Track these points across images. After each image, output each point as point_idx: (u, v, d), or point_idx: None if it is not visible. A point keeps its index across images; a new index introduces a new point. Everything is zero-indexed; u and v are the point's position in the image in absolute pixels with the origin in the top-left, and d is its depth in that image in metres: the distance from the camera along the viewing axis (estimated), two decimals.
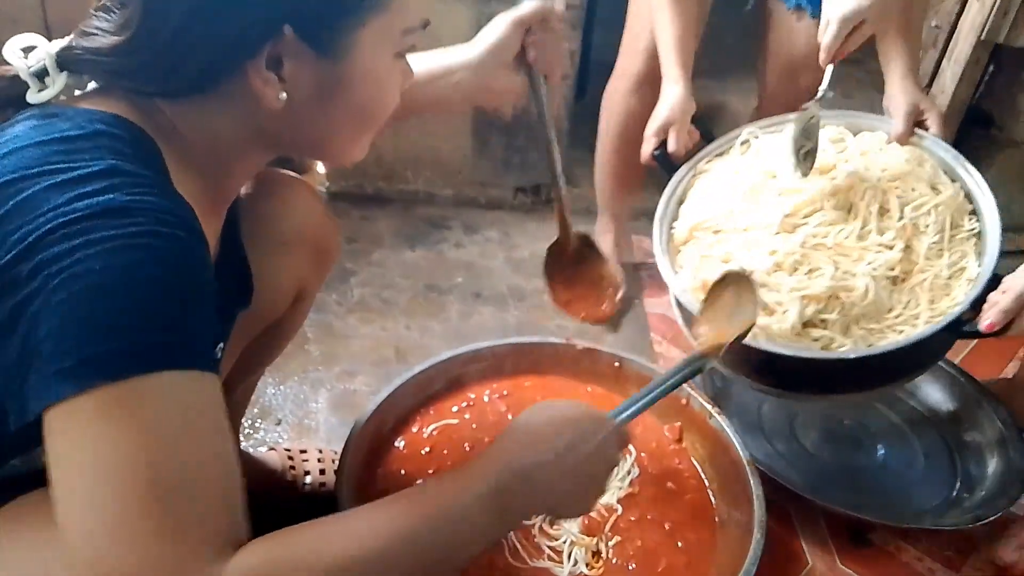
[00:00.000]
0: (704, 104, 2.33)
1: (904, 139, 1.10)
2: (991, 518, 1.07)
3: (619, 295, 1.12)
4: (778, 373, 1.04)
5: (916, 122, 1.11)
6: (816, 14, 1.28)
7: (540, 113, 0.93)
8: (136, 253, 0.49)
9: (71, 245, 0.48)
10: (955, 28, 1.78)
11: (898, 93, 1.13)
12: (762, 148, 1.15)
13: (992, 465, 1.20)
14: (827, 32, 0.99)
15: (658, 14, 1.23)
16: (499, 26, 0.85)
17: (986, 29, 1.67)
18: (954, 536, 1.13)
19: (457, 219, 1.83)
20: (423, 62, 0.83)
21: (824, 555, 1.10)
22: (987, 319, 0.95)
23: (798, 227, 1.04)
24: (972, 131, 1.85)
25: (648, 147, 1.18)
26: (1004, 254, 1.89)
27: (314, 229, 0.90)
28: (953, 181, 1.10)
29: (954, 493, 1.18)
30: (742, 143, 1.17)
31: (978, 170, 1.88)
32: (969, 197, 1.09)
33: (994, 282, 0.97)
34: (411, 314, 1.52)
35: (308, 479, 1.11)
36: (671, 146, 1.17)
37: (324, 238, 0.93)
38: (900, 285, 1.02)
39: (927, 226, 1.03)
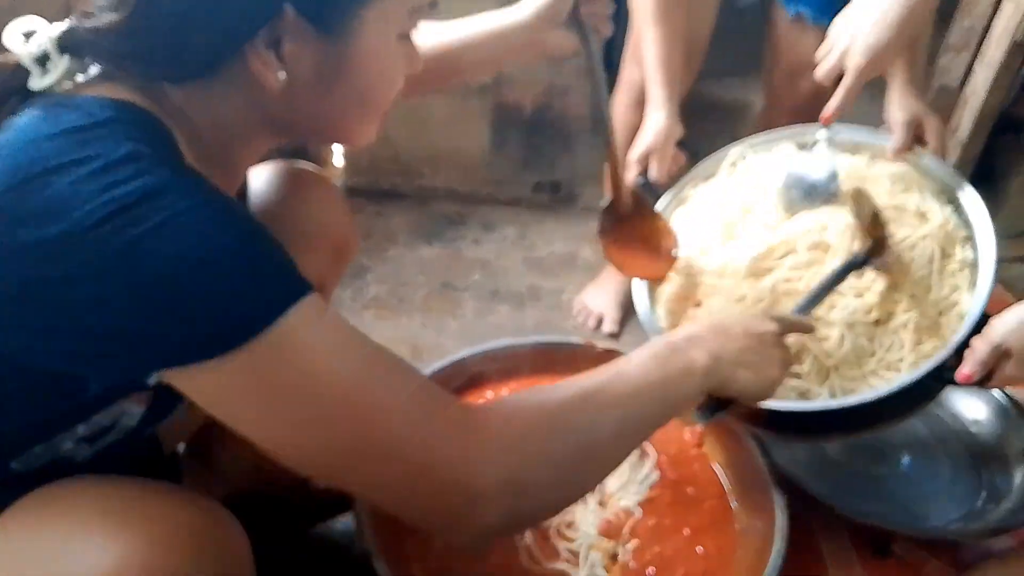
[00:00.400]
0: (728, 102, 2.31)
1: (902, 152, 1.06)
2: (1017, 529, 1.05)
3: (676, 250, 1.08)
4: (758, 417, 1.01)
5: (916, 136, 1.08)
6: (817, 20, 1.27)
7: (592, 69, 0.92)
8: (195, 226, 0.50)
9: (127, 238, 0.48)
10: (988, 29, 1.75)
11: (897, 104, 1.10)
12: (748, 172, 1.12)
13: (1018, 477, 1.17)
14: (845, 80, 0.94)
15: (643, 31, 1.20)
16: None
17: (1021, 31, 1.64)
18: (978, 548, 1.10)
19: (474, 216, 1.82)
20: (475, 25, 0.87)
21: (845, 565, 1.08)
22: (963, 369, 0.90)
23: (770, 270, 1.00)
24: (1001, 137, 1.82)
25: (631, 174, 1.16)
26: None
27: (333, 225, 0.91)
28: (949, 203, 1.05)
29: (979, 504, 1.16)
30: (730, 164, 1.15)
31: (1009, 176, 1.86)
32: (966, 222, 1.04)
33: (984, 323, 0.92)
34: (427, 312, 1.51)
35: None
36: (652, 173, 1.14)
37: (342, 234, 0.93)
38: (883, 326, 0.97)
39: (911, 260, 0.98)
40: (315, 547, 1.06)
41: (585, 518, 0.97)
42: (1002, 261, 1.84)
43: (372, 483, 0.55)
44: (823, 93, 1.15)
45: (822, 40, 1.27)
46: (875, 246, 0.91)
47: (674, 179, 1.18)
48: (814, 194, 0.99)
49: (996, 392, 1.27)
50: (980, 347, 0.89)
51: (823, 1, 1.26)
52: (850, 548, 1.10)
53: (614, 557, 0.95)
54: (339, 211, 0.93)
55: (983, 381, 0.89)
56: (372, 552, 0.87)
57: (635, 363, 0.66)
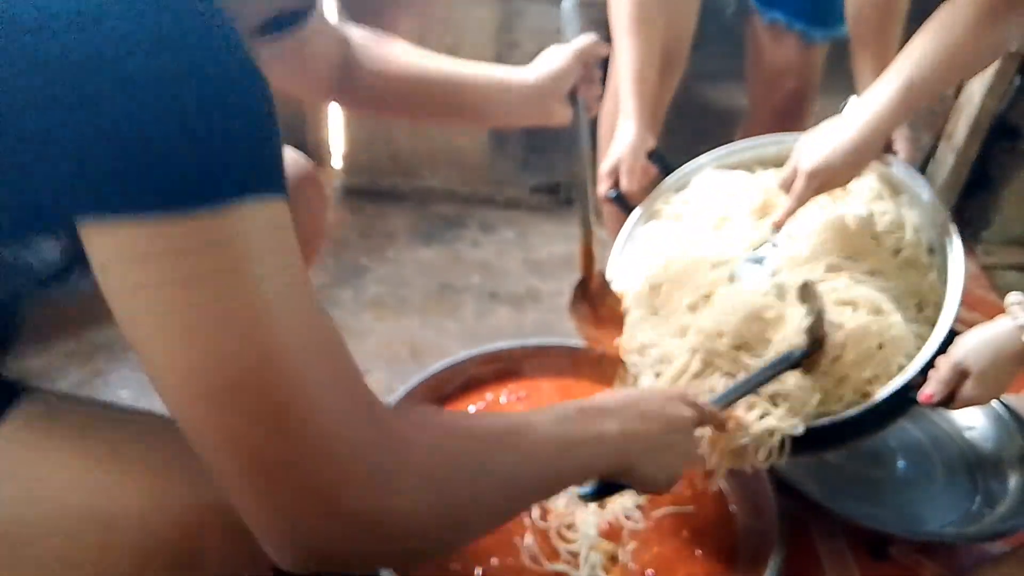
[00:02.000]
0: (721, 105, 2.32)
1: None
2: (1012, 534, 1.05)
3: None
4: None
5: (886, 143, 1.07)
6: (791, 25, 1.30)
7: (579, 146, 0.94)
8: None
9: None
10: None
11: None
12: (713, 193, 1.11)
13: (1013, 481, 1.18)
14: (794, 186, 0.93)
15: (619, 42, 1.20)
16: (561, 55, 0.91)
17: (1015, 41, 1.66)
18: (973, 552, 1.11)
19: (473, 217, 1.82)
20: (483, 68, 0.89)
21: (842, 568, 1.09)
22: (925, 389, 0.89)
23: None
24: (999, 143, 1.83)
25: (602, 188, 1.17)
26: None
27: (307, 219, 0.90)
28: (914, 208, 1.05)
29: (974, 508, 1.16)
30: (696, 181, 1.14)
31: (1004, 183, 1.87)
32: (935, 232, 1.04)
33: (951, 340, 0.91)
34: (426, 312, 1.51)
35: None
36: (622, 186, 1.15)
37: (314, 229, 0.94)
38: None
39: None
40: None
41: (585, 520, 0.97)
42: (997, 268, 1.87)
43: (235, 445, 0.41)
44: (802, 96, 1.16)
45: (798, 45, 1.29)
46: (813, 347, 0.87)
47: (646, 191, 1.17)
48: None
49: None
50: (942, 367, 0.89)
51: (796, 7, 1.28)
52: (847, 551, 1.10)
53: (614, 559, 0.95)
54: (319, 204, 0.93)
55: (946, 402, 0.89)
56: None
57: (549, 420, 0.58)
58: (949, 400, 0.89)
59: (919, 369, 0.89)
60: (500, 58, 1.74)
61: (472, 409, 1.13)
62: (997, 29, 0.87)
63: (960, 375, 0.88)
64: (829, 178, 0.91)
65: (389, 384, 1.29)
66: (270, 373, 0.41)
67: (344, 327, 1.44)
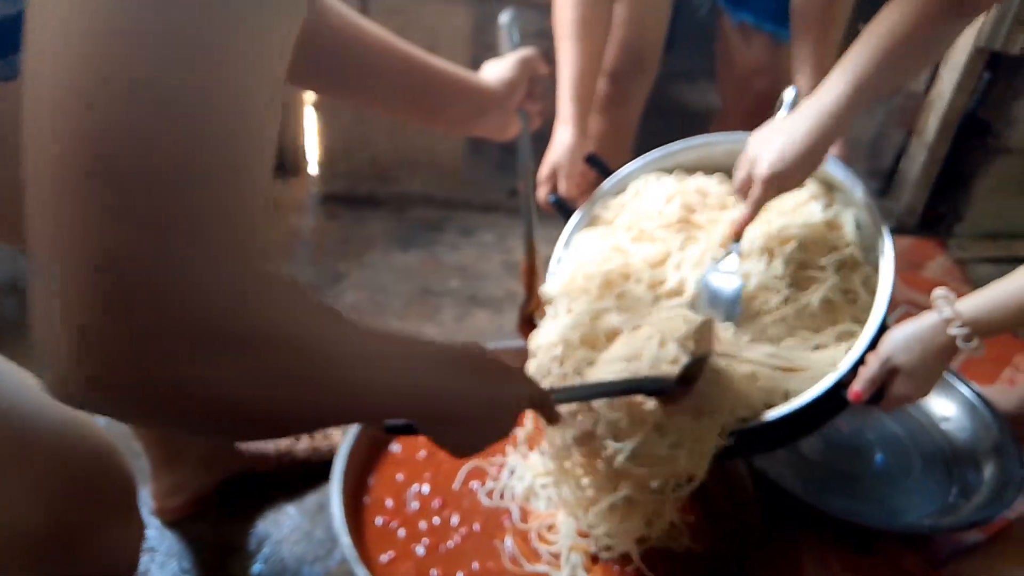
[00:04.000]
0: (697, 104, 2.34)
1: None
2: (987, 523, 1.07)
3: None
4: None
5: None
6: (759, 26, 1.31)
7: (522, 161, 0.94)
8: None
9: None
10: None
11: None
12: (640, 201, 1.11)
13: (988, 472, 1.19)
14: (751, 192, 0.90)
15: (560, 46, 1.20)
16: (508, 66, 0.89)
17: (983, 37, 1.68)
18: (951, 542, 1.12)
19: (451, 221, 1.82)
20: (452, 66, 0.85)
21: (825, 561, 1.10)
22: (854, 387, 0.88)
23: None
24: (969, 139, 1.86)
25: (542, 193, 1.16)
26: (999, 260, 1.90)
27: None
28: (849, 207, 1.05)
29: (951, 499, 1.18)
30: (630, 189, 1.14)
31: (975, 177, 1.90)
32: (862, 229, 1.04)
33: (883, 334, 0.90)
34: (405, 317, 1.50)
35: (301, 446, 1.13)
36: (560, 190, 1.15)
37: None
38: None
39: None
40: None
41: (566, 520, 0.97)
42: (970, 262, 1.90)
43: (86, 228, 0.32)
44: (772, 95, 1.17)
45: (767, 46, 1.31)
46: (679, 383, 0.81)
47: (586, 195, 1.17)
48: (719, 312, 0.96)
49: (965, 389, 1.29)
50: (869, 364, 0.88)
51: (764, 9, 1.29)
52: (828, 545, 1.11)
53: (595, 558, 0.95)
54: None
55: (877, 400, 0.89)
56: (352, 559, 0.87)
57: (400, 362, 0.51)
58: (880, 397, 0.89)
59: (850, 367, 0.88)
60: (476, 63, 1.74)
61: None
62: (938, 31, 0.87)
63: (889, 372, 0.88)
64: (785, 182, 0.90)
65: None
66: (178, 160, 0.32)
67: None
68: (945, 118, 1.82)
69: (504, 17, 0.98)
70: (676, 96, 2.35)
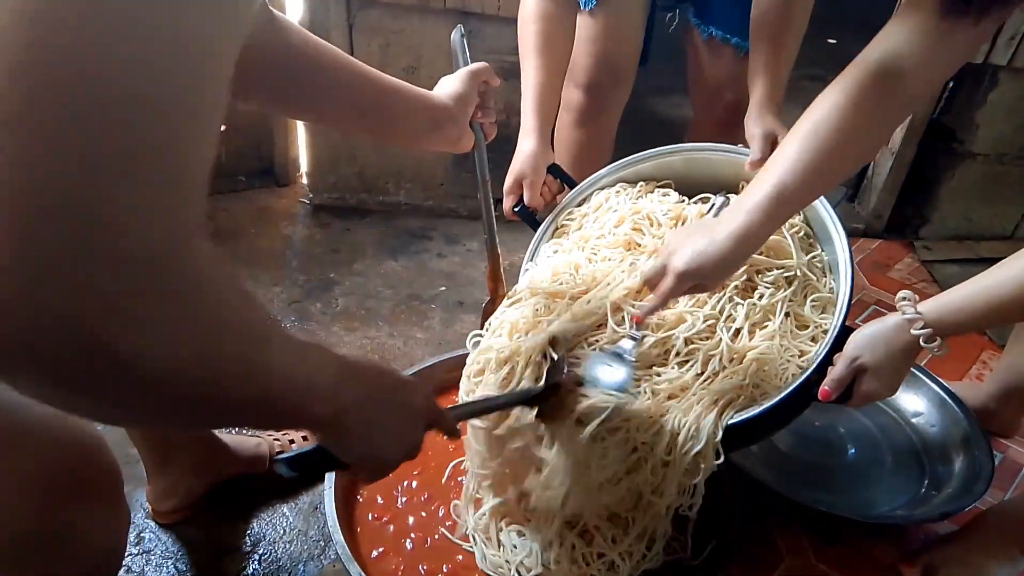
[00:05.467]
0: (673, 117, 2.39)
1: (758, 164, 1.05)
2: (957, 514, 1.10)
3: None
4: None
5: (773, 149, 1.06)
6: (728, 40, 1.35)
7: (481, 170, 0.97)
8: None
9: None
10: None
11: (755, 120, 1.16)
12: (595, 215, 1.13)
13: (958, 464, 1.23)
14: (662, 284, 0.87)
15: (524, 60, 1.24)
16: (460, 80, 0.91)
17: None
18: (922, 532, 1.17)
19: (438, 230, 1.86)
20: (404, 84, 0.86)
21: (799, 552, 1.13)
22: (823, 386, 0.89)
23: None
24: (934, 145, 1.92)
25: (507, 203, 1.20)
26: (965, 261, 1.95)
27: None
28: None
29: (922, 491, 1.21)
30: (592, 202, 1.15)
31: (940, 182, 1.96)
32: (813, 227, 1.06)
33: (845, 336, 0.91)
34: (394, 323, 1.53)
35: (294, 447, 1.16)
36: (525, 200, 1.19)
37: None
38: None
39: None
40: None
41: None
42: (936, 263, 1.95)
43: (30, 171, 0.30)
44: (741, 107, 1.21)
45: (735, 58, 1.35)
46: (546, 392, 0.85)
47: (550, 204, 1.21)
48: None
49: (935, 385, 1.34)
50: (837, 364, 0.91)
51: (731, 23, 1.34)
52: (803, 536, 1.15)
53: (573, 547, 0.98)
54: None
55: (844, 398, 0.91)
56: (345, 557, 0.90)
57: (296, 350, 0.51)
58: (848, 396, 0.91)
59: (816, 367, 0.91)
60: None
61: None
62: (866, 128, 0.82)
63: (855, 371, 0.90)
64: (699, 282, 0.86)
65: None
66: (121, 115, 0.31)
67: (314, 339, 1.46)
68: (911, 125, 1.87)
69: (455, 34, 1.01)
70: (651, 108, 2.41)
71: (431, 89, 0.92)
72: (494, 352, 0.93)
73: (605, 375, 0.89)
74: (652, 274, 0.89)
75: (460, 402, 0.95)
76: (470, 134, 0.96)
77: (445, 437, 0.73)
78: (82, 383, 0.35)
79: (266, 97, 0.80)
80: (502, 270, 1.04)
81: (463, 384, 0.97)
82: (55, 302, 0.31)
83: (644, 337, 0.93)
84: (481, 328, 1.02)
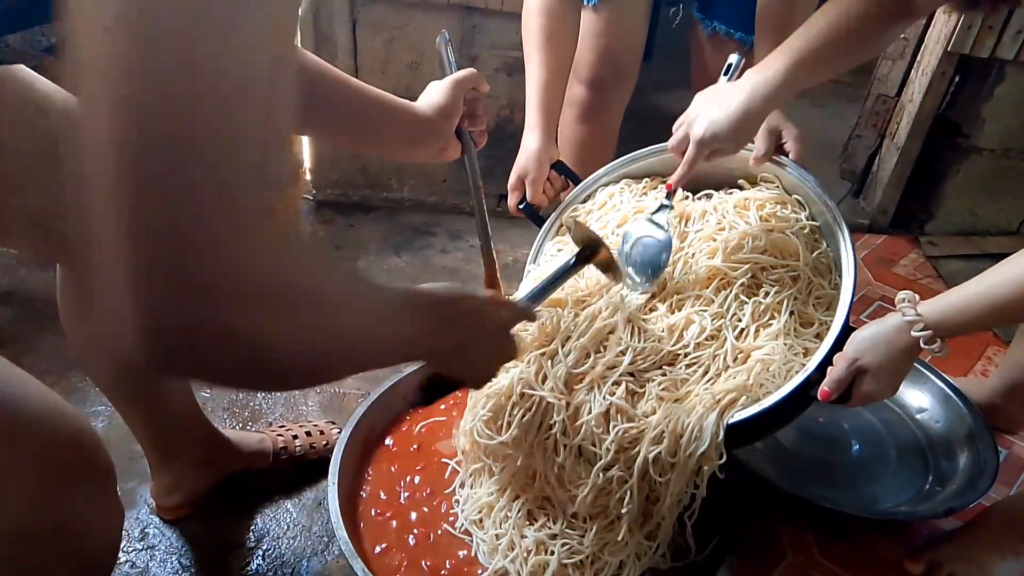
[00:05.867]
0: (677, 113, 2.38)
1: (764, 159, 1.06)
2: (962, 510, 1.10)
3: None
4: None
5: (777, 146, 1.08)
6: (732, 35, 1.35)
7: (472, 176, 0.96)
8: None
9: None
10: (922, 40, 1.85)
11: None
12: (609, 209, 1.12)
13: (963, 460, 1.23)
14: (687, 153, 0.96)
15: (528, 56, 1.23)
16: (442, 90, 0.90)
17: (952, 41, 1.73)
18: (927, 529, 1.16)
19: (441, 226, 1.86)
20: (386, 94, 0.86)
21: (803, 548, 1.13)
22: (822, 387, 0.90)
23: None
24: (940, 140, 1.91)
25: (512, 200, 1.20)
26: (970, 257, 1.94)
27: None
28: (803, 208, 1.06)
29: (927, 487, 1.21)
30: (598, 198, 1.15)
31: (946, 177, 1.95)
32: (821, 229, 1.05)
33: (846, 335, 0.92)
34: None
35: (298, 443, 1.16)
36: (528, 197, 1.18)
37: None
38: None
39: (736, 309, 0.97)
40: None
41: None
42: (941, 258, 1.94)
43: (137, 199, 0.36)
44: None
45: (737, 52, 1.35)
46: (589, 251, 0.93)
47: (554, 201, 1.20)
48: (647, 265, 1.00)
49: (939, 381, 1.34)
50: (837, 365, 0.90)
51: (734, 18, 1.34)
52: (807, 532, 1.15)
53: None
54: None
55: (844, 398, 0.91)
56: (348, 553, 0.90)
57: (397, 302, 0.58)
58: (847, 396, 0.91)
59: (816, 366, 0.90)
60: None
61: (443, 407, 1.16)
62: (879, 30, 0.93)
63: (855, 372, 0.90)
64: (718, 147, 0.95)
65: (364, 389, 1.31)
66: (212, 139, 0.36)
67: None
68: (916, 120, 1.86)
69: (439, 39, 0.99)
70: (654, 104, 2.40)
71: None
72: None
73: (648, 231, 0.99)
74: (676, 143, 0.97)
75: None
76: (455, 144, 0.94)
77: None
78: (229, 368, 0.42)
79: None
80: (499, 275, 1.04)
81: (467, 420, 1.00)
82: (187, 316, 0.38)
83: (673, 206, 1.01)
84: None
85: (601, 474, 0.89)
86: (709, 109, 0.94)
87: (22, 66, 0.67)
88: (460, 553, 0.98)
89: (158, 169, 0.35)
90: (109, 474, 0.64)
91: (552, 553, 0.93)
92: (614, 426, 0.90)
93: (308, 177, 1.94)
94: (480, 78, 0.94)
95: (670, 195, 1.01)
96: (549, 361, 0.94)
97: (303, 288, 0.43)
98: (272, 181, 0.40)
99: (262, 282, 0.40)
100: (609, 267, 0.96)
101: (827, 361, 0.91)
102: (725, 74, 1.04)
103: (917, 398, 1.35)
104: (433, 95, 0.90)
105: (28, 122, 0.67)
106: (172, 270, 0.37)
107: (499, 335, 0.74)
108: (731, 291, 0.97)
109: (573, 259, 0.92)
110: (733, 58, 1.05)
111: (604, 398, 0.90)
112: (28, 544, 0.58)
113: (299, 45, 0.82)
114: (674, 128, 1.00)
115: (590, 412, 0.90)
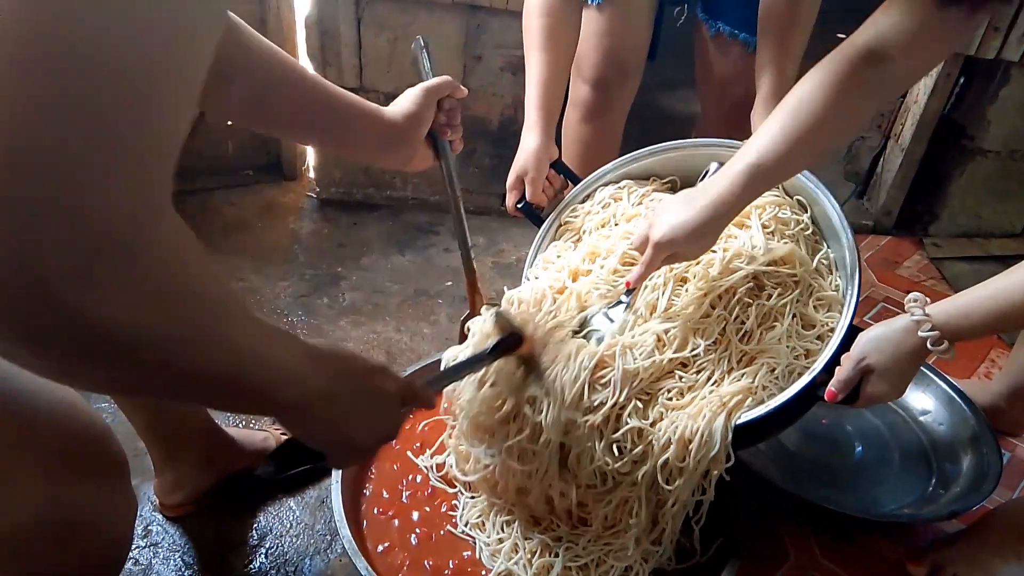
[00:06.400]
0: (681, 112, 2.38)
1: None
2: (965, 513, 1.10)
3: None
4: None
5: None
6: (736, 35, 1.34)
7: (448, 183, 0.96)
8: None
9: None
10: None
11: (762, 115, 1.15)
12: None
13: (966, 462, 1.23)
14: (644, 254, 0.92)
15: (529, 54, 1.23)
16: (413, 98, 0.89)
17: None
18: (930, 531, 1.16)
19: (445, 225, 1.86)
20: (354, 96, 0.85)
21: (806, 549, 1.13)
22: (829, 387, 0.90)
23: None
24: (945, 141, 1.91)
25: (510, 200, 1.19)
26: (975, 259, 1.94)
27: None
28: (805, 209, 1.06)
29: (930, 490, 1.21)
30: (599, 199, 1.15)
31: (950, 179, 1.95)
32: (819, 225, 1.06)
33: (853, 336, 0.92)
34: (401, 318, 1.54)
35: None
36: (528, 196, 1.18)
37: None
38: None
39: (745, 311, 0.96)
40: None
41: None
42: (946, 260, 1.94)
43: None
44: (748, 103, 1.21)
45: (743, 54, 1.35)
46: (509, 342, 0.89)
47: (553, 200, 1.19)
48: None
49: (943, 383, 1.33)
50: (844, 365, 0.90)
51: (738, 19, 1.33)
52: (810, 534, 1.15)
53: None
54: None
55: (851, 399, 0.91)
56: (351, 552, 0.90)
57: (266, 331, 0.52)
58: (854, 397, 0.91)
59: (823, 367, 0.90)
60: (466, 71, 1.78)
61: (446, 405, 1.16)
62: (846, 108, 0.84)
63: (862, 372, 0.90)
64: (676, 252, 0.90)
65: None
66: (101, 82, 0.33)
67: (321, 333, 1.47)
68: (921, 121, 1.86)
69: (414, 45, 0.99)
70: (658, 103, 2.40)
71: None
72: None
73: (602, 325, 0.96)
74: (638, 243, 0.93)
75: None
76: (424, 153, 0.94)
77: (423, 409, 0.73)
78: (45, 341, 0.36)
79: (219, 105, 0.78)
80: (479, 283, 1.04)
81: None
82: (22, 259, 0.33)
83: (632, 303, 0.98)
84: (460, 342, 1.02)
85: (612, 501, 0.90)
86: (671, 213, 0.89)
87: None
88: (464, 554, 0.98)
89: (41, 94, 0.32)
90: (122, 467, 0.64)
91: (557, 555, 0.93)
92: (621, 449, 0.89)
93: (312, 175, 1.94)
94: (455, 85, 0.93)
95: (629, 292, 0.97)
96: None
97: (158, 253, 0.38)
98: (155, 145, 0.36)
99: (111, 231, 0.35)
100: (529, 361, 0.91)
101: (834, 362, 0.91)
102: (700, 180, 1.02)
103: (921, 400, 1.35)
104: (404, 102, 0.90)
105: None
106: (14, 203, 0.32)
107: (380, 407, 0.65)
108: (736, 295, 0.97)
109: (490, 347, 0.87)
110: (713, 166, 1.03)
111: (605, 447, 0.89)
112: (42, 536, 0.58)
113: (271, 42, 0.81)
114: (636, 227, 0.97)
115: (592, 458, 0.89)
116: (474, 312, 1.06)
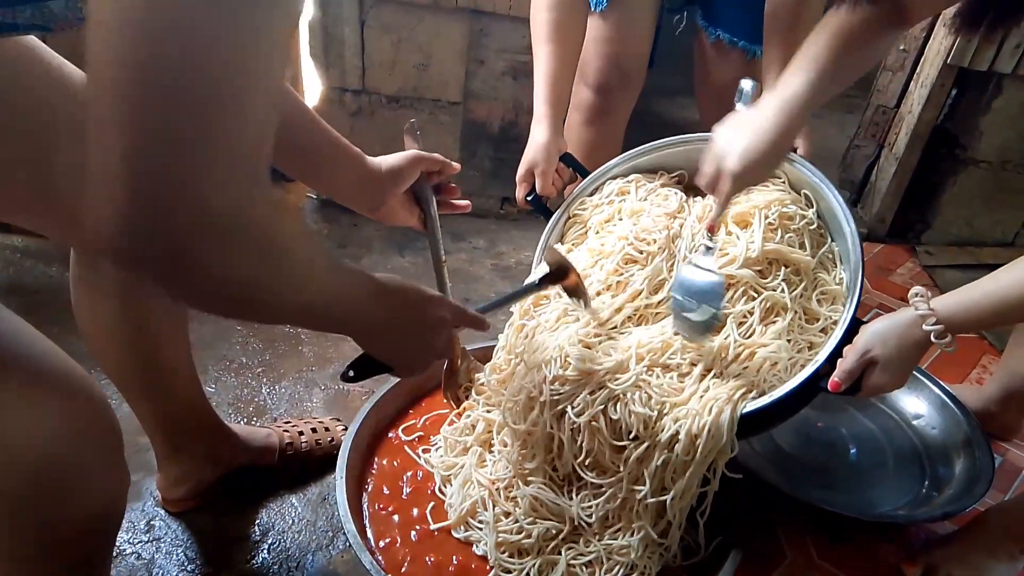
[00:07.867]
0: (679, 119, 2.40)
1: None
2: (958, 515, 1.12)
3: None
4: None
5: None
6: (735, 43, 1.36)
7: (432, 238, 0.98)
8: None
9: None
10: (922, 52, 1.87)
11: None
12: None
13: (959, 465, 1.24)
14: (719, 188, 0.90)
15: (536, 49, 1.24)
16: (402, 155, 0.92)
17: (951, 54, 1.76)
18: (923, 532, 1.18)
19: (445, 227, 1.85)
20: (337, 134, 0.87)
21: (803, 550, 1.14)
22: (832, 378, 0.91)
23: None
24: (938, 151, 1.94)
25: (520, 192, 1.20)
26: (966, 267, 1.96)
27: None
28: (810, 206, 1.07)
29: (923, 492, 1.23)
30: (607, 192, 1.16)
31: (943, 187, 1.97)
32: (825, 219, 1.07)
33: (855, 328, 0.93)
34: None
35: (304, 440, 1.17)
36: (538, 189, 1.19)
37: None
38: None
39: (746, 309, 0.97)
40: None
41: None
42: (937, 268, 1.96)
43: (136, 120, 0.40)
44: None
45: (742, 61, 1.36)
46: (557, 274, 0.96)
47: (562, 193, 1.21)
48: (697, 306, 0.94)
49: (936, 388, 1.35)
50: (848, 356, 0.92)
51: (738, 27, 1.35)
52: (806, 535, 1.16)
53: None
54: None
55: (853, 390, 0.92)
56: (357, 547, 0.91)
57: (345, 277, 0.65)
58: (856, 388, 0.92)
59: (826, 358, 0.92)
60: (468, 76, 1.79)
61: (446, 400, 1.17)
62: (881, 36, 0.93)
63: (866, 364, 0.91)
64: (754, 177, 0.92)
65: (368, 386, 1.32)
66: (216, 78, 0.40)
67: (323, 332, 1.47)
68: (915, 131, 1.89)
69: (408, 125, 1.02)
70: (657, 110, 2.42)
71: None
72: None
73: (697, 277, 0.94)
74: (709, 179, 0.93)
75: None
76: (404, 212, 0.96)
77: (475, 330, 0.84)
78: (183, 286, 0.48)
79: None
80: (459, 343, 1.03)
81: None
82: (164, 232, 0.43)
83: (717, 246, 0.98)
84: (444, 397, 1.04)
85: (619, 494, 0.92)
86: (739, 139, 0.89)
87: (32, 37, 0.69)
88: (465, 549, 0.98)
89: (166, 82, 0.39)
90: (117, 441, 0.66)
91: (560, 553, 0.94)
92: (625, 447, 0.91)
93: None
94: (448, 163, 0.97)
95: (711, 236, 0.96)
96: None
97: (258, 224, 0.48)
98: (257, 135, 0.45)
99: (224, 206, 0.44)
100: (576, 292, 0.96)
101: (837, 353, 0.93)
102: (738, 100, 1.02)
103: (914, 405, 1.37)
104: (391, 158, 0.92)
105: (37, 91, 0.69)
106: (157, 163, 0.41)
107: (434, 330, 0.77)
108: (738, 288, 0.98)
109: (539, 279, 0.94)
110: (746, 84, 1.03)
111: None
112: (30, 501, 0.59)
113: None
114: (700, 164, 0.95)
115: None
116: (455, 362, 1.03)
